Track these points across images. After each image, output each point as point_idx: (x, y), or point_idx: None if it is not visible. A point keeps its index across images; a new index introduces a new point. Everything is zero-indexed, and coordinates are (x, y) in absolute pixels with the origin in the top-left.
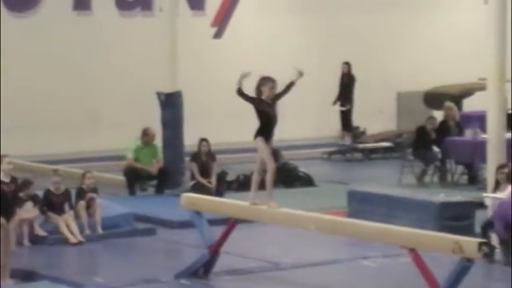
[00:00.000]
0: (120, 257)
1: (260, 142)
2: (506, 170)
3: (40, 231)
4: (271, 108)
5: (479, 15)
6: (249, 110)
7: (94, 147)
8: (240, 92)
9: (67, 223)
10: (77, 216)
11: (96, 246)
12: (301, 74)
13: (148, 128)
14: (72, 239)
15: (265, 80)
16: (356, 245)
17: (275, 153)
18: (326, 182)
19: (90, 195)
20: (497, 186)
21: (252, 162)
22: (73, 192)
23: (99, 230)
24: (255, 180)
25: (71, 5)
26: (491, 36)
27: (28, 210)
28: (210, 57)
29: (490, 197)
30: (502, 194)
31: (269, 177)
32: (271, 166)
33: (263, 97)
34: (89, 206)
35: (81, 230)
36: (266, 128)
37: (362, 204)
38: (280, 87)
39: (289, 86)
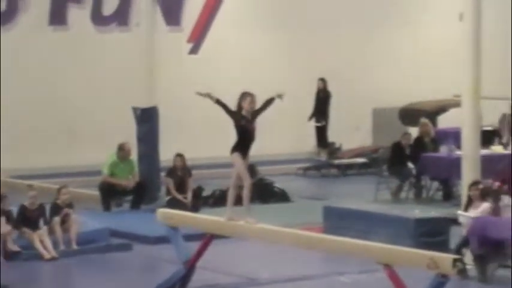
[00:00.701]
0: (95, 272)
1: (237, 157)
2: (479, 187)
3: (13, 247)
4: (251, 124)
5: (454, 33)
6: (226, 125)
7: (71, 162)
8: (219, 102)
9: (41, 239)
10: (52, 232)
11: (72, 262)
12: (280, 97)
13: (125, 143)
14: (46, 255)
15: (244, 95)
16: (332, 261)
17: (251, 169)
18: (301, 198)
19: (65, 210)
20: (470, 203)
21: (229, 178)
22: (47, 208)
23: (74, 246)
24: (230, 195)
25: (47, 20)
26: (465, 53)
27: (2, 225)
28: (187, 73)
29: (464, 215)
30: (476, 212)
31: (246, 193)
32: (247, 182)
33: (243, 112)
34: (64, 221)
35: (56, 246)
36: (243, 144)
37: (338, 220)
38: (258, 103)
39: (268, 102)
